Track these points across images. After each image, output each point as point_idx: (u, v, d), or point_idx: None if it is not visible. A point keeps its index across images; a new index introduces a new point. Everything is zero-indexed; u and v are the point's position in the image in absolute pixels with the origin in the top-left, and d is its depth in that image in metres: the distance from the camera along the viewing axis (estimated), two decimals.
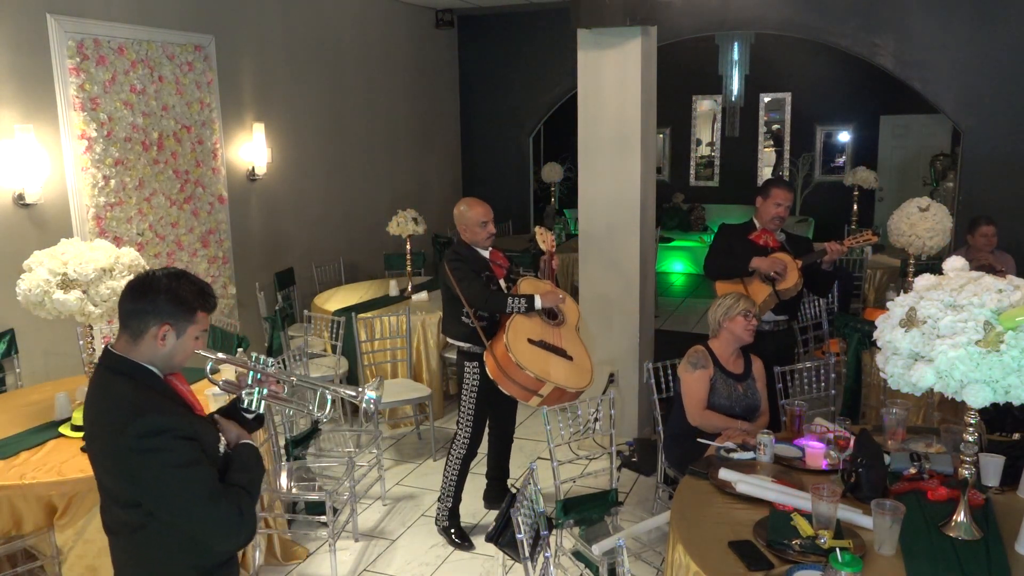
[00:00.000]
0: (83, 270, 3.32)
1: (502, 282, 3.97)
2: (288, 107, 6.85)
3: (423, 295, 6.07)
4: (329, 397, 2.35)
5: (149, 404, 1.92)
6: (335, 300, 6.15)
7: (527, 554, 2.60)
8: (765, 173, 11.58)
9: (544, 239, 4.12)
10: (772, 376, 4.06)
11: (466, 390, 4.00)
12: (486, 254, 3.96)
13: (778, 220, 4.28)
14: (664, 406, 4.06)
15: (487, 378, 3.88)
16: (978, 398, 2.14)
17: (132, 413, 1.89)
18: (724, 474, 2.82)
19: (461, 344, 3.97)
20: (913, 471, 2.79)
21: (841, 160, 11.17)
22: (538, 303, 3.82)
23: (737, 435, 3.36)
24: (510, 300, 3.79)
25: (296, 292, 6.85)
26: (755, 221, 4.38)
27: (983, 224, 5.22)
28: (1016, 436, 2.92)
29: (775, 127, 11.54)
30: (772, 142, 11.61)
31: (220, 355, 2.28)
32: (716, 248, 4.39)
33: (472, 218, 3.90)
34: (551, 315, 3.93)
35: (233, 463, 2.06)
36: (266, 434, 3.87)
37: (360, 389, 2.35)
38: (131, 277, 3.52)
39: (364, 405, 2.35)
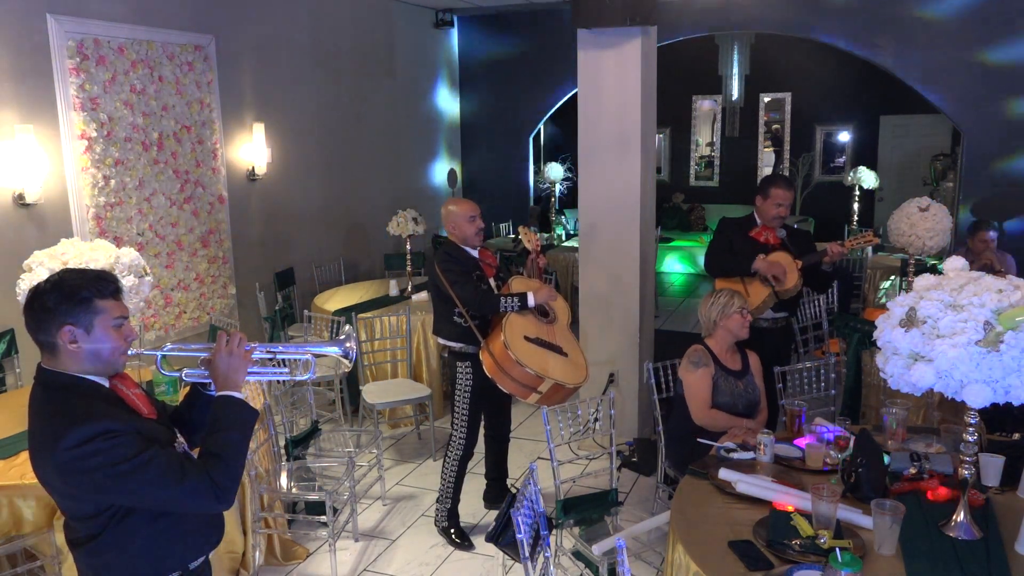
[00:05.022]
0: None
1: (492, 281, 3.98)
2: (288, 107, 6.85)
3: (423, 295, 6.06)
4: (312, 359, 2.24)
5: (82, 413, 1.86)
6: (335, 300, 6.15)
7: (527, 554, 2.60)
8: (765, 173, 11.56)
9: (528, 239, 4.16)
10: (772, 376, 4.07)
11: (459, 391, 4.00)
12: (475, 254, 3.97)
13: (779, 219, 4.31)
14: (664, 406, 4.06)
15: (480, 377, 3.88)
16: (978, 398, 2.15)
17: (65, 426, 1.84)
18: (724, 474, 2.82)
19: (452, 344, 3.97)
20: (913, 471, 2.79)
21: (841, 160, 11.17)
22: (531, 300, 3.82)
23: (741, 434, 3.36)
24: (503, 300, 3.79)
25: (296, 292, 6.85)
26: (756, 217, 4.38)
27: (982, 229, 5.21)
28: (1016, 436, 2.92)
29: (775, 127, 11.54)
30: (772, 142, 11.61)
31: (191, 345, 2.17)
32: (717, 245, 4.40)
33: (460, 214, 3.90)
34: (543, 313, 3.94)
35: (208, 425, 2.02)
36: (266, 434, 3.87)
37: (340, 342, 2.24)
38: (130, 276, 3.56)
39: (347, 353, 2.24)
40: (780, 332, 4.43)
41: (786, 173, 11.31)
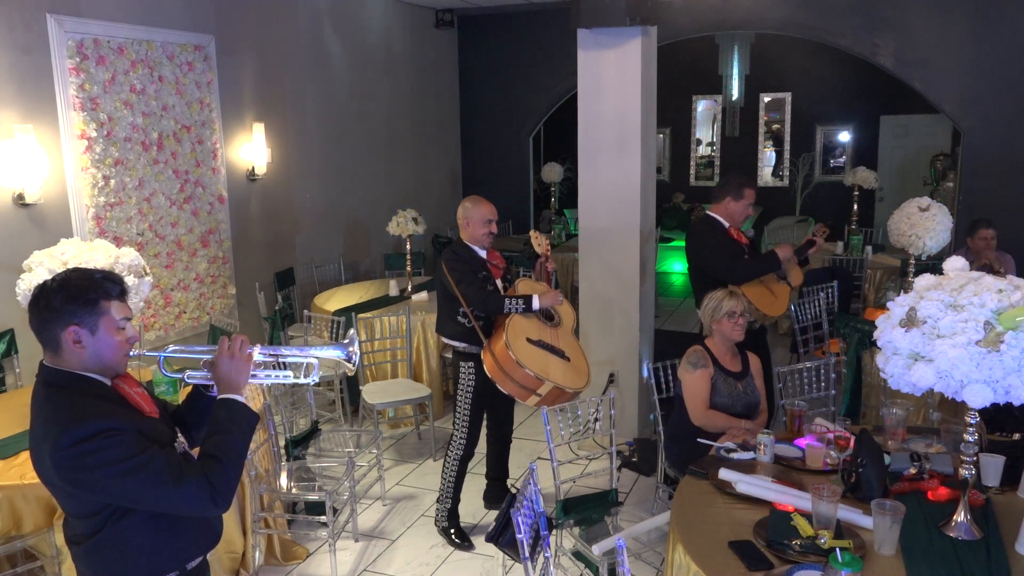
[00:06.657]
0: None
1: (499, 282, 3.98)
2: (288, 107, 6.85)
3: (423, 295, 6.07)
4: (315, 363, 2.26)
5: (83, 411, 1.87)
6: (335, 300, 6.15)
7: (527, 554, 2.60)
8: (765, 173, 11.59)
9: (539, 242, 4.14)
10: (772, 376, 4.07)
11: (462, 390, 4.00)
12: (483, 254, 3.97)
13: (746, 218, 4.45)
14: (664, 406, 4.06)
15: (483, 378, 3.88)
16: (978, 398, 2.14)
17: (66, 423, 1.84)
18: (724, 474, 2.82)
19: (456, 344, 3.98)
20: (913, 471, 2.79)
21: (841, 160, 11.17)
22: (536, 303, 3.82)
23: (740, 434, 3.36)
24: (507, 301, 3.79)
25: (296, 292, 6.85)
26: (720, 219, 4.39)
27: (982, 227, 5.21)
28: (1016, 436, 2.92)
29: (775, 127, 11.54)
30: (772, 142, 11.61)
31: (194, 347, 2.18)
32: (722, 253, 4.33)
33: (478, 215, 3.89)
34: (548, 317, 3.94)
35: (208, 427, 2.03)
36: (266, 434, 3.87)
37: (343, 345, 2.26)
38: (130, 276, 3.56)
39: (350, 357, 2.27)
40: (765, 331, 4.52)
41: (786, 173, 11.32)
